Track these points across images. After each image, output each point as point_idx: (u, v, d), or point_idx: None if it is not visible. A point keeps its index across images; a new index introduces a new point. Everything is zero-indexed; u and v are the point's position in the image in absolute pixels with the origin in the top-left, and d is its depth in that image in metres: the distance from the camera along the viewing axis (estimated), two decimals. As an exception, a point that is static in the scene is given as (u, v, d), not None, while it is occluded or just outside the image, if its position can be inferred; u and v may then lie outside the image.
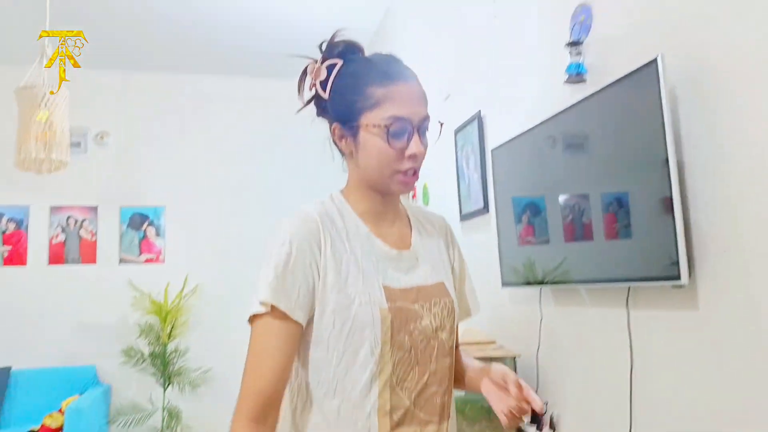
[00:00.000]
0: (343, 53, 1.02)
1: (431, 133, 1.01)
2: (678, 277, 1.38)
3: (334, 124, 1.01)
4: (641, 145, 1.52)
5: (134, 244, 4.56)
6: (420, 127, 0.97)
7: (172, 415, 4.09)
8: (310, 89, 1.03)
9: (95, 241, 4.50)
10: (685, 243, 1.38)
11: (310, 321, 0.94)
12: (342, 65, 1.00)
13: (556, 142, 1.96)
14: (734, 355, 1.32)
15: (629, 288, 1.66)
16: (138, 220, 4.60)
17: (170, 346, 4.22)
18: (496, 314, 2.46)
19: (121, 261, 4.51)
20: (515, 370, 2.16)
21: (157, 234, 4.60)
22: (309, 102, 1.05)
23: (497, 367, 0.98)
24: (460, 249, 1.16)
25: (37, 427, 3.68)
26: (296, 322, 0.92)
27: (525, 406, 0.90)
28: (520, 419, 0.91)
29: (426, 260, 1.05)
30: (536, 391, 1.08)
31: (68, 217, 4.46)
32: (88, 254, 4.49)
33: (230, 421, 0.90)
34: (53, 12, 2.99)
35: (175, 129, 4.70)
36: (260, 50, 4.34)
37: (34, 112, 2.91)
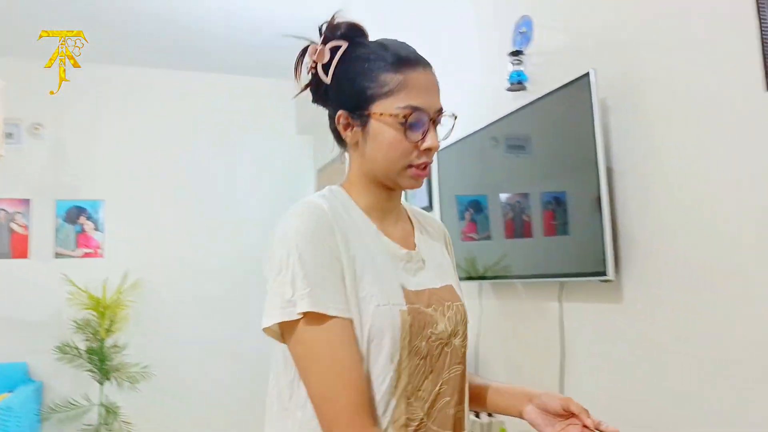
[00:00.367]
0: (347, 35, 0.93)
1: (443, 127, 0.94)
2: (605, 273, 1.52)
3: (340, 112, 0.92)
4: (575, 150, 1.65)
5: (70, 239, 4.41)
6: (435, 120, 0.90)
7: (109, 411, 4.00)
8: (309, 73, 0.95)
9: (27, 235, 4.33)
10: (612, 241, 1.52)
11: None
12: (347, 48, 0.92)
13: (499, 144, 2.08)
14: (654, 344, 1.46)
15: (562, 283, 1.80)
16: (75, 214, 4.45)
17: (108, 342, 4.12)
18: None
19: (57, 255, 4.36)
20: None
21: (96, 228, 4.47)
22: (306, 87, 0.97)
23: (552, 395, 0.90)
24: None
25: (-37, 426, 3.52)
26: (349, 318, 0.81)
27: None
28: None
29: (431, 262, 0.98)
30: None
31: (-2, 209, 4.27)
32: (19, 248, 4.31)
33: None
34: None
35: (115, 121, 4.58)
36: (201, 44, 4.28)
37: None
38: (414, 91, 0.88)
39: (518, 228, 1.97)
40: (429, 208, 2.65)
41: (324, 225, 0.84)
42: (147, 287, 4.38)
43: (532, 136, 1.91)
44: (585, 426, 0.84)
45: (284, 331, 0.83)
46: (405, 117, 0.87)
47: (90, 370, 4.07)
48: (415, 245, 0.97)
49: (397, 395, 0.83)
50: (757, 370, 1.18)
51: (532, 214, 1.89)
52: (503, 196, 2.06)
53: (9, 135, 4.22)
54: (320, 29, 0.94)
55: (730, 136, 1.25)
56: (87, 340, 4.12)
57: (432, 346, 0.87)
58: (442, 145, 2.70)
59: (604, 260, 1.51)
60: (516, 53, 1.96)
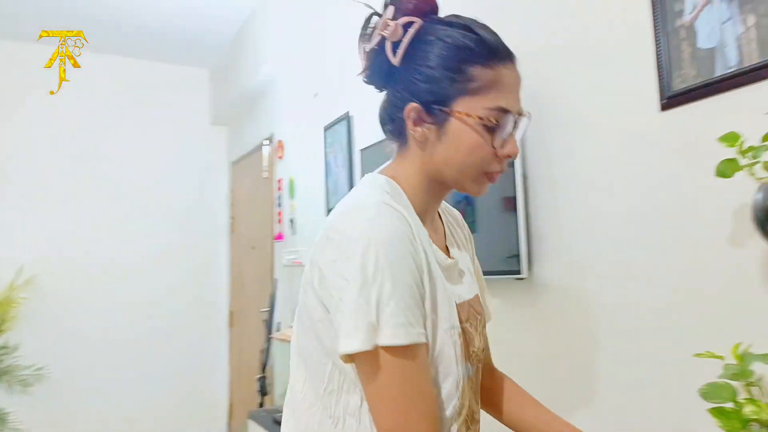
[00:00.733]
0: (419, 10, 0.80)
1: (518, 130, 0.83)
2: (519, 272, 1.62)
3: (412, 105, 0.79)
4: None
5: (-46, 230, 4.04)
6: (517, 122, 0.80)
7: (-2, 418, 3.71)
8: (369, 49, 0.82)
9: None
10: (526, 241, 1.62)
11: None
12: (421, 26, 0.80)
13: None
14: (564, 341, 1.58)
15: (478, 280, 1.89)
16: (-41, 202, 4.07)
17: (-2, 343, 3.82)
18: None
19: (-62, 248, 3.97)
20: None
21: (-15, 218, 4.11)
22: (369, 67, 0.84)
23: None
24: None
25: None
26: (426, 342, 0.73)
27: None
28: None
29: (465, 268, 0.90)
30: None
31: None
32: None
33: None
34: None
35: (10, 104, 4.22)
36: (108, 25, 4.04)
37: None
38: (504, 91, 0.78)
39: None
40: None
41: (407, 235, 0.72)
42: (45, 284, 4.09)
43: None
44: None
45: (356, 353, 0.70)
46: (495, 121, 0.77)
47: (-25, 373, 3.76)
48: (447, 249, 0.88)
49: (460, 421, 0.78)
50: (639, 356, 1.31)
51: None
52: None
53: None
54: (385, 3, 0.80)
55: (623, 149, 1.38)
56: (-28, 340, 3.79)
57: (474, 366, 0.83)
58: (363, 144, 2.72)
59: (518, 259, 1.62)
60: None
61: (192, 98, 4.64)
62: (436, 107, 0.78)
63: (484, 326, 0.89)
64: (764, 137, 0.94)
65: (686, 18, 1.23)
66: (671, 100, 1.26)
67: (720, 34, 1.16)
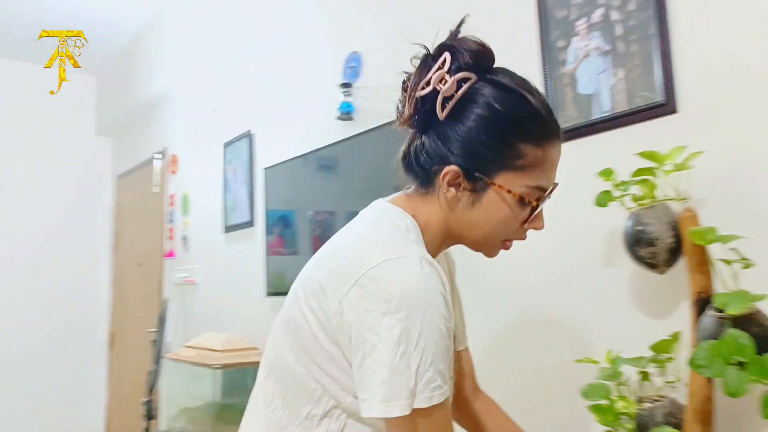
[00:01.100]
0: (477, 66, 0.77)
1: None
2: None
3: (451, 167, 0.76)
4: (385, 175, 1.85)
5: None
6: (549, 196, 0.80)
7: None
8: (418, 92, 0.78)
9: None
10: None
11: None
12: (474, 83, 0.76)
13: (324, 168, 2.22)
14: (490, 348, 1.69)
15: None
16: None
17: None
18: (258, 323, 2.58)
19: None
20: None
21: None
22: (415, 114, 0.80)
23: None
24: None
25: None
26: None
27: None
28: None
29: (456, 313, 0.92)
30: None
31: None
32: None
33: None
34: None
35: None
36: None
37: None
38: (547, 170, 0.78)
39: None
40: (250, 224, 2.67)
41: (445, 296, 0.71)
42: None
43: (357, 164, 2.08)
44: None
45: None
46: (534, 201, 0.77)
47: None
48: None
49: None
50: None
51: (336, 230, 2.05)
52: (310, 213, 2.25)
53: None
54: (449, 42, 0.77)
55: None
56: None
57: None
58: (266, 163, 2.79)
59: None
60: (345, 85, 2.12)
61: (75, 105, 4.34)
62: (477, 174, 0.76)
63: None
64: (633, 173, 1.12)
65: (569, 67, 1.41)
66: (556, 137, 1.44)
67: (596, 83, 1.35)
